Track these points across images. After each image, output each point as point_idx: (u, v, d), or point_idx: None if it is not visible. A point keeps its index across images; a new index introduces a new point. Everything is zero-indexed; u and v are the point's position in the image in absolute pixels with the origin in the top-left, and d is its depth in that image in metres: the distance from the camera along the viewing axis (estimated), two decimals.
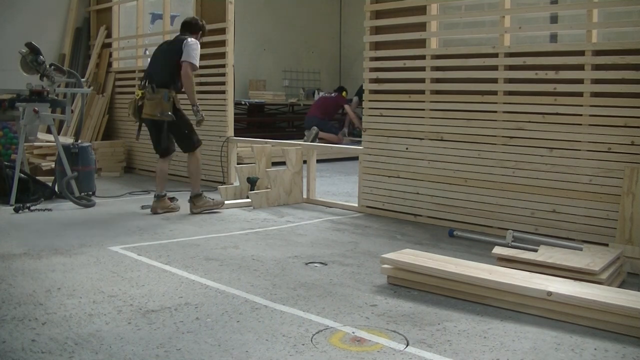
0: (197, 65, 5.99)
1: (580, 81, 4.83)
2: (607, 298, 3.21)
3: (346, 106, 11.83)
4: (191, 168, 6.19)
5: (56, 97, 6.93)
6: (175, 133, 6.08)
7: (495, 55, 5.33)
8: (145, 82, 6.00)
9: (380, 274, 3.98)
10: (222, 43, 7.80)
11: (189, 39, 6.00)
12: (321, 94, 12.39)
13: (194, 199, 6.14)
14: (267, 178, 6.73)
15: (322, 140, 10.69)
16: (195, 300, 3.54)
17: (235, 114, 8.10)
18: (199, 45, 6.05)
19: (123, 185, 7.92)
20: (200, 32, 6.27)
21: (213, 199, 6.26)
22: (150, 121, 6.02)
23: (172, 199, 6.35)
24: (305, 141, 8.92)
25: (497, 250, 4.19)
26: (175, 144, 6.20)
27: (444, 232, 5.28)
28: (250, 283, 3.89)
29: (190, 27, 6.23)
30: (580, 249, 4.17)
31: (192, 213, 6.09)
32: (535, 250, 4.15)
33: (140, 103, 5.98)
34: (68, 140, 7.71)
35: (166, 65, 6.00)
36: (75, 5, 10.12)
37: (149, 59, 6.54)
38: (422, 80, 5.84)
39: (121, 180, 8.50)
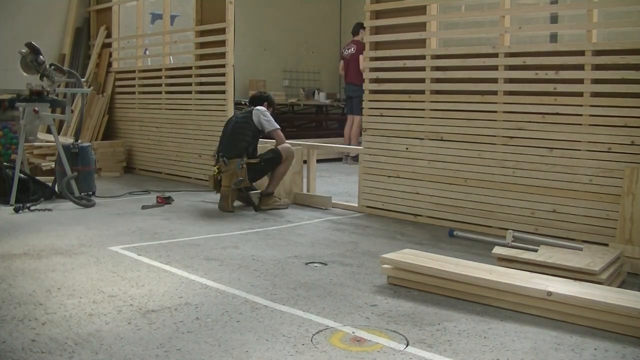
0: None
1: (580, 81, 4.83)
2: (607, 298, 3.21)
3: (360, 57, 9.18)
4: (279, 169, 6.37)
5: (56, 97, 6.92)
6: (259, 172, 6.34)
7: (495, 55, 5.33)
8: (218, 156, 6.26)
9: (380, 274, 3.98)
10: (222, 43, 7.79)
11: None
12: (346, 51, 10.31)
13: (265, 197, 6.33)
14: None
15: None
16: (195, 300, 3.54)
17: None
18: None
19: (123, 185, 7.92)
20: (266, 102, 6.67)
21: (281, 199, 6.49)
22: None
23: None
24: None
25: (497, 250, 4.19)
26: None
27: (444, 232, 5.28)
28: (250, 283, 3.89)
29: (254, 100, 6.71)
30: (580, 249, 4.17)
31: (260, 210, 6.25)
32: (535, 250, 4.15)
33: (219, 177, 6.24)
34: (68, 140, 7.70)
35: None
36: (75, 5, 10.11)
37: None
38: (422, 80, 5.83)
39: (121, 180, 8.50)
